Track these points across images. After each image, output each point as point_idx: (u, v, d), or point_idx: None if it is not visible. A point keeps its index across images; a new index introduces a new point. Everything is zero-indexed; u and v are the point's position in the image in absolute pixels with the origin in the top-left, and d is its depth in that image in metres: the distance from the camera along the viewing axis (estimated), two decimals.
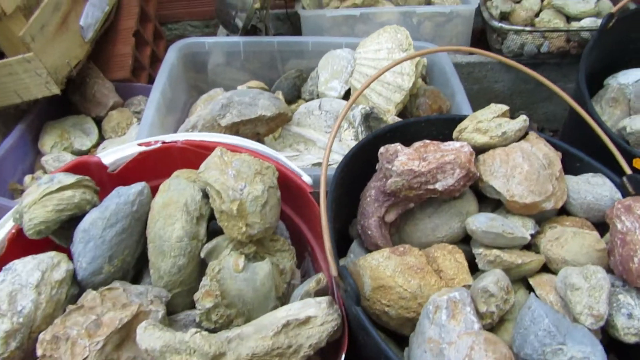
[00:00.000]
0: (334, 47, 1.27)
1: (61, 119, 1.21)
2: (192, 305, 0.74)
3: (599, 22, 1.30)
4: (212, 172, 0.69)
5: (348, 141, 1.00)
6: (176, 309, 0.72)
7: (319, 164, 0.99)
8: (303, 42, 1.31)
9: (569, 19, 1.39)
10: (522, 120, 0.79)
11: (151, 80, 1.42)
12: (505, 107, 0.81)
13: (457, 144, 0.76)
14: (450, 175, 0.72)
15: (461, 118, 0.84)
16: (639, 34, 1.18)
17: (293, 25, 1.64)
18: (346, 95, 1.18)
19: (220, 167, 0.69)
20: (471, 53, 1.39)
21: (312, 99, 1.21)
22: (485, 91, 1.43)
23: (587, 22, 1.34)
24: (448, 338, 0.60)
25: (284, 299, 0.74)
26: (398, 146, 0.76)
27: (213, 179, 0.68)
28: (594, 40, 1.08)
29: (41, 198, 0.67)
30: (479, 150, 0.79)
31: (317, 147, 1.02)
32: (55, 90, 1.04)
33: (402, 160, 0.73)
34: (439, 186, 0.73)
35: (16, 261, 0.65)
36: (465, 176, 0.73)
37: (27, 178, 1.09)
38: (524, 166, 0.75)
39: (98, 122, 1.24)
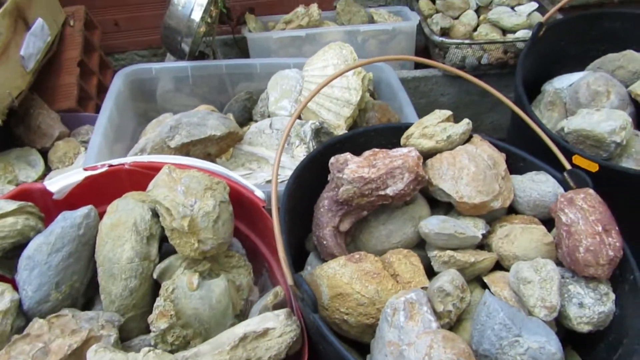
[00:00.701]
0: (282, 67, 1.28)
1: (5, 151, 1.17)
2: (147, 330, 0.71)
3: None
4: (160, 189, 0.68)
5: (300, 157, 1.00)
6: (130, 334, 0.69)
7: (269, 182, 0.99)
8: (251, 64, 1.32)
9: (504, 31, 1.46)
10: (465, 123, 0.82)
11: (98, 110, 1.40)
12: (449, 112, 0.84)
13: (404, 150, 0.77)
14: (400, 179, 0.73)
15: (407, 126, 0.86)
16: (569, 41, 1.24)
17: (241, 50, 1.66)
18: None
19: (169, 184, 0.68)
20: (417, 67, 1.43)
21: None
22: (432, 104, 1.47)
23: (521, 34, 1.41)
24: (407, 339, 0.60)
25: (242, 317, 0.73)
26: (348, 155, 0.77)
27: (162, 196, 0.67)
28: (527, 48, 1.14)
29: None
30: (427, 155, 0.81)
31: (270, 165, 1.02)
32: None
33: (352, 168, 0.74)
34: (389, 191, 0.73)
35: None
36: (414, 180, 0.74)
37: None
38: (471, 167, 0.77)
39: (44, 153, 1.21)
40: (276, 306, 0.70)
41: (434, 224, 0.74)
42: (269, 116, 1.22)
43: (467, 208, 0.77)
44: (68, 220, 0.67)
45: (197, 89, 1.33)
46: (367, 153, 0.79)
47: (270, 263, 0.80)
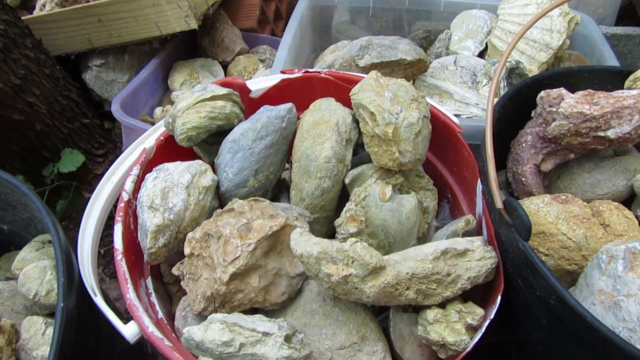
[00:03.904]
0: (468, 7, 1.20)
1: (190, 59, 1.23)
2: (328, 235, 0.71)
3: None
4: (367, 93, 0.65)
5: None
6: None
7: (456, 115, 0.94)
8: (435, 1, 1.25)
9: None
10: None
11: (274, 34, 1.43)
12: None
13: (633, 91, 0.68)
14: (628, 121, 0.65)
15: (631, 70, 0.76)
16: None
17: None
18: (480, 56, 1.12)
19: (376, 89, 0.66)
20: (617, 23, 1.27)
21: None
22: (631, 68, 1.30)
23: None
24: (625, 290, 0.54)
25: (422, 241, 0.70)
26: (562, 90, 0.70)
27: (368, 100, 0.64)
28: None
29: (195, 104, 0.67)
30: None
31: (454, 100, 0.96)
32: (194, 24, 1.05)
33: (570, 102, 0.67)
34: (611, 133, 0.65)
35: (167, 163, 0.65)
36: None
37: (158, 110, 1.11)
38: None
39: (224, 67, 1.25)
40: (465, 234, 0.65)
41: None
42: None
43: None
44: (273, 112, 0.67)
45: (374, 22, 1.30)
46: (582, 92, 0.70)
47: (455, 193, 0.75)
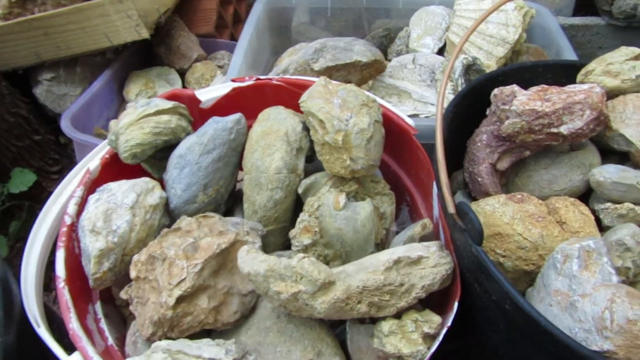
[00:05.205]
0: (426, 4, 1.19)
1: (146, 69, 1.20)
2: (284, 246, 0.69)
3: None
4: (315, 100, 0.63)
5: (447, 94, 0.93)
6: (267, 249, 0.68)
7: (414, 115, 0.93)
8: None
9: None
10: None
11: (233, 38, 1.40)
12: (638, 50, 0.72)
13: (584, 86, 0.67)
14: (579, 117, 0.64)
15: (583, 63, 0.76)
16: None
17: None
18: (439, 53, 1.11)
19: (325, 95, 0.64)
20: (574, 13, 1.27)
21: None
22: (586, 58, 1.31)
23: None
24: (581, 290, 0.53)
25: (381, 247, 0.68)
26: (515, 87, 0.69)
27: (317, 107, 0.63)
28: None
29: (138, 120, 0.64)
30: (608, 96, 0.71)
31: (412, 99, 0.95)
32: (145, 34, 1.02)
33: (522, 100, 0.66)
34: (564, 129, 0.65)
35: (110, 183, 0.63)
36: (595, 119, 0.64)
37: (112, 123, 1.08)
38: None
39: (182, 74, 1.22)
40: (423, 239, 0.64)
41: (611, 172, 0.64)
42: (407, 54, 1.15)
43: None
44: (220, 124, 0.65)
45: (333, 23, 1.29)
46: (535, 88, 0.70)
47: (413, 196, 0.74)
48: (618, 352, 0.48)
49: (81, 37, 1.01)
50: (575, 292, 0.53)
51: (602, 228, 0.65)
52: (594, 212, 0.66)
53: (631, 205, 0.63)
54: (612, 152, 0.71)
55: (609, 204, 0.65)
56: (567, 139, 0.66)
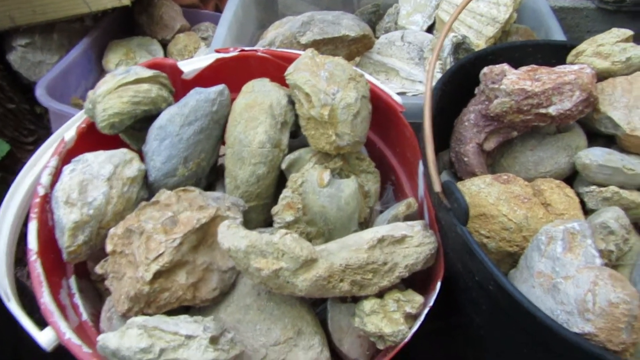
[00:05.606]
0: None
1: (127, 38, 1.16)
2: (266, 223, 0.68)
3: None
4: (302, 73, 0.62)
5: (435, 72, 0.91)
6: (248, 225, 0.66)
7: (402, 93, 0.91)
8: None
9: None
10: None
11: (218, 10, 1.36)
12: (629, 32, 0.71)
13: (575, 67, 0.66)
14: (568, 98, 0.63)
15: (574, 44, 0.75)
16: None
17: None
18: (428, 30, 1.09)
19: (312, 68, 0.62)
20: None
21: None
22: (574, 41, 1.30)
23: None
24: (564, 272, 0.53)
25: (364, 226, 0.67)
26: (505, 66, 0.68)
27: (303, 80, 0.61)
28: None
29: (117, 88, 0.62)
30: (597, 77, 0.70)
31: (400, 77, 0.94)
32: (126, 1, 0.98)
33: (512, 79, 0.65)
34: (552, 110, 0.64)
35: (87, 153, 0.61)
36: (585, 100, 0.64)
37: (90, 93, 1.04)
38: None
39: (164, 45, 1.19)
40: (407, 218, 0.63)
41: (597, 155, 0.64)
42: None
43: (638, 144, 0.66)
44: (202, 95, 0.63)
45: None
46: (525, 68, 0.69)
47: (398, 175, 0.73)
48: (599, 334, 0.48)
49: (58, 1, 0.97)
50: (559, 274, 0.53)
51: (587, 211, 0.65)
52: (578, 194, 0.66)
53: (616, 189, 0.62)
54: (599, 134, 0.71)
55: (593, 187, 0.65)
56: (555, 120, 0.65)
